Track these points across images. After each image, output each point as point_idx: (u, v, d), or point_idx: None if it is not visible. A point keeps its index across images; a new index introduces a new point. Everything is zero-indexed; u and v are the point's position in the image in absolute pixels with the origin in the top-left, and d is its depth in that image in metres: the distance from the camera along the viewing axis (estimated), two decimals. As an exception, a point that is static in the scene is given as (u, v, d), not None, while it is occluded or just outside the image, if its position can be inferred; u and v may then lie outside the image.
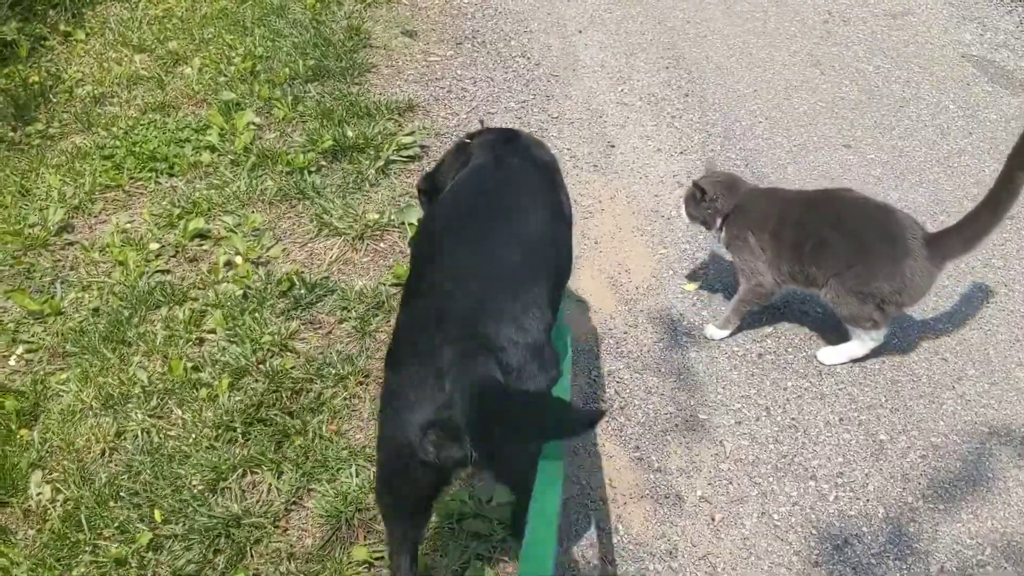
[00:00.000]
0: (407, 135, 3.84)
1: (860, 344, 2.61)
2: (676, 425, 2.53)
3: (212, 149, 3.85)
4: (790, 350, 2.77)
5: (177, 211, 3.41)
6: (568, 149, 3.85)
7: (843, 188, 2.78)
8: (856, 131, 3.87)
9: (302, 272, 3.09)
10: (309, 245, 3.27)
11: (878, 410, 2.54)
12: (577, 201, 3.41)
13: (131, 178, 3.72)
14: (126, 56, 4.74)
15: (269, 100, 4.15)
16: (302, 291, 2.98)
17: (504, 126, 2.77)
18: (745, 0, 5.17)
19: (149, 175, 3.76)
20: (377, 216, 3.36)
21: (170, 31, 4.98)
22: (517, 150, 2.22)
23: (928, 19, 4.90)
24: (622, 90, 4.30)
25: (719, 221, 2.74)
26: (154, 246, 3.30)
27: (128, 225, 3.43)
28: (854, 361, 2.67)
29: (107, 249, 3.24)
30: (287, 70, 4.40)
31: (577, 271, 3.09)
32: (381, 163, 3.67)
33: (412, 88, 4.34)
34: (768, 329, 2.85)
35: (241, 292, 2.98)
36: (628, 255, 3.22)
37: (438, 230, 1.96)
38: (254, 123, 4.02)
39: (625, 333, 2.87)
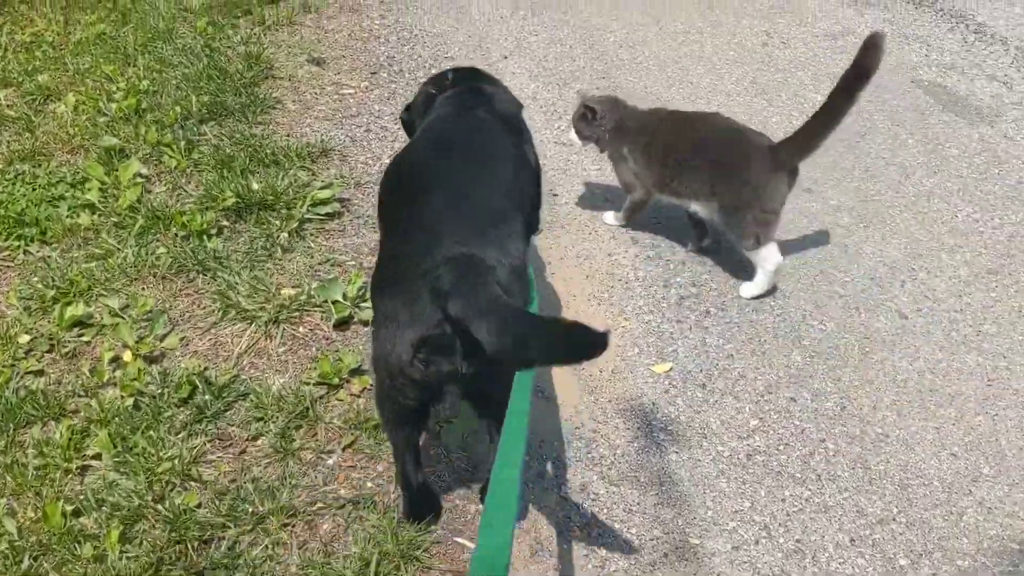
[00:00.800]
0: (323, 188, 3.35)
1: (762, 272, 2.87)
2: (665, 555, 2.15)
3: (92, 208, 3.29)
4: (781, 448, 2.43)
5: (51, 292, 2.85)
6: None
7: (710, 112, 3.14)
8: (815, 171, 3.57)
9: (206, 370, 2.58)
10: (212, 332, 2.76)
11: (891, 525, 2.21)
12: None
13: (-7, 247, 3.13)
14: (-13, 92, 4.09)
15: (158, 145, 3.61)
16: (207, 397, 2.48)
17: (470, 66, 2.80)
18: (678, 20, 4.85)
19: (17, 243, 3.18)
20: (293, 292, 2.88)
21: (39, 61, 4.35)
22: (484, 101, 2.40)
23: (869, 40, 4.66)
24: (559, 127, 3.90)
25: (607, 138, 3.06)
26: (24, 339, 2.74)
27: (-10, 310, 2.85)
28: (765, 294, 2.92)
29: (-37, 345, 2.67)
30: (178, 108, 3.85)
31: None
32: (294, 223, 3.18)
33: (324, 127, 3.85)
34: (754, 423, 2.50)
35: (131, 401, 2.46)
36: (586, 330, 2.81)
37: (412, 171, 2.11)
38: (141, 175, 3.48)
39: (594, 432, 2.48)
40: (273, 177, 3.41)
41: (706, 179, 2.82)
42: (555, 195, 3.49)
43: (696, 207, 2.91)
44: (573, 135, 3.14)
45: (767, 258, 2.83)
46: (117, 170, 3.45)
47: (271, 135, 3.73)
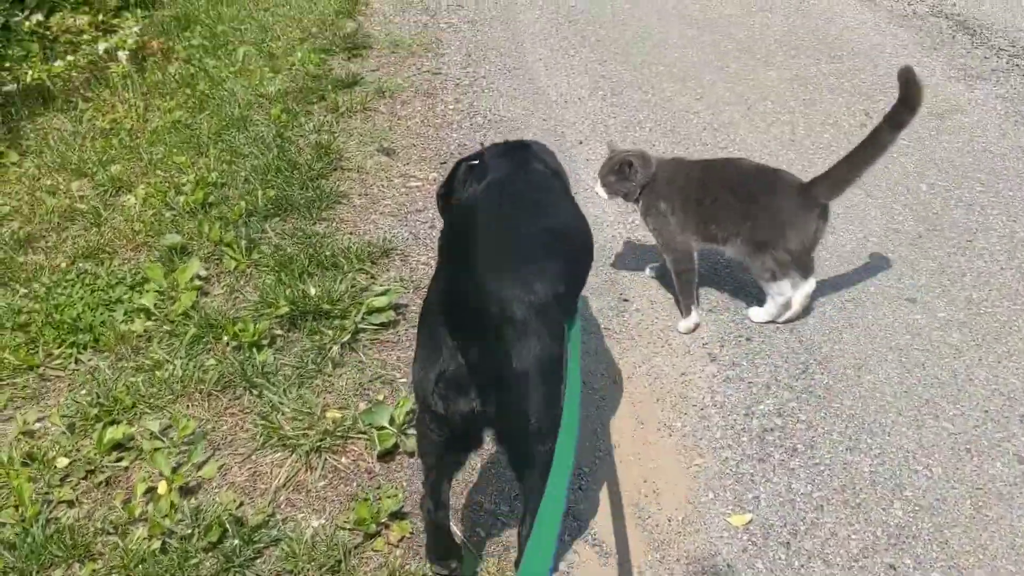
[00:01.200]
0: (379, 294, 3.18)
1: (772, 301, 2.95)
2: None
3: (147, 313, 3.20)
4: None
5: (94, 411, 2.74)
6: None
7: (737, 157, 3.21)
8: (919, 277, 3.22)
9: (241, 505, 2.40)
10: (253, 459, 2.59)
11: None
12: (585, 381, 2.76)
13: (47, 355, 3.06)
14: (62, 183, 4.11)
15: (220, 243, 3.51)
16: (236, 542, 2.29)
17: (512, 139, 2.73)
18: (768, 99, 4.56)
19: (69, 351, 3.10)
20: (339, 415, 2.69)
21: (115, 149, 4.37)
22: (532, 157, 2.47)
23: (981, 119, 4.28)
24: (634, 221, 3.65)
25: (638, 192, 3.04)
26: (62, 462, 2.62)
27: (37, 426, 2.76)
28: (773, 321, 3.01)
29: (2, 468, 2.57)
30: (243, 203, 3.77)
31: (590, 490, 2.42)
32: (347, 335, 3.01)
33: (388, 224, 3.70)
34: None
35: (159, 544, 2.29)
36: (655, 466, 2.54)
37: (464, 222, 2.05)
38: (200, 276, 3.38)
39: (660, 601, 2.17)
40: (331, 280, 3.27)
41: (740, 216, 2.84)
42: (626, 301, 3.23)
43: (731, 250, 2.94)
44: (600, 189, 3.09)
45: (781, 291, 2.90)
46: (177, 270, 3.36)
47: (334, 232, 3.60)
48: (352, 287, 3.24)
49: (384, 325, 3.11)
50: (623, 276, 3.36)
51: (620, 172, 3.01)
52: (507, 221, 2.14)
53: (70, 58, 5.12)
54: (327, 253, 3.41)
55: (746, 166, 2.99)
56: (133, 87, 5.07)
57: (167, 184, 4.02)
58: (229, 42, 5.50)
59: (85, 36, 5.30)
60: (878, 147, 2.72)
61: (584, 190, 3.82)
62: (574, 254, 2.25)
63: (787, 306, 2.95)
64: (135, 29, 5.40)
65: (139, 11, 5.65)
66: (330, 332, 3.04)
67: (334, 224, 3.68)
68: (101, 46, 5.22)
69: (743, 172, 2.94)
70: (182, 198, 3.89)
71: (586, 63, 5.13)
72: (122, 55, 5.20)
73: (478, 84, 4.93)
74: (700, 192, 2.92)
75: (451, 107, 4.69)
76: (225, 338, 3.04)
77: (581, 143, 4.31)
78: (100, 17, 5.52)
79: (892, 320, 3.05)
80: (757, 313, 3.02)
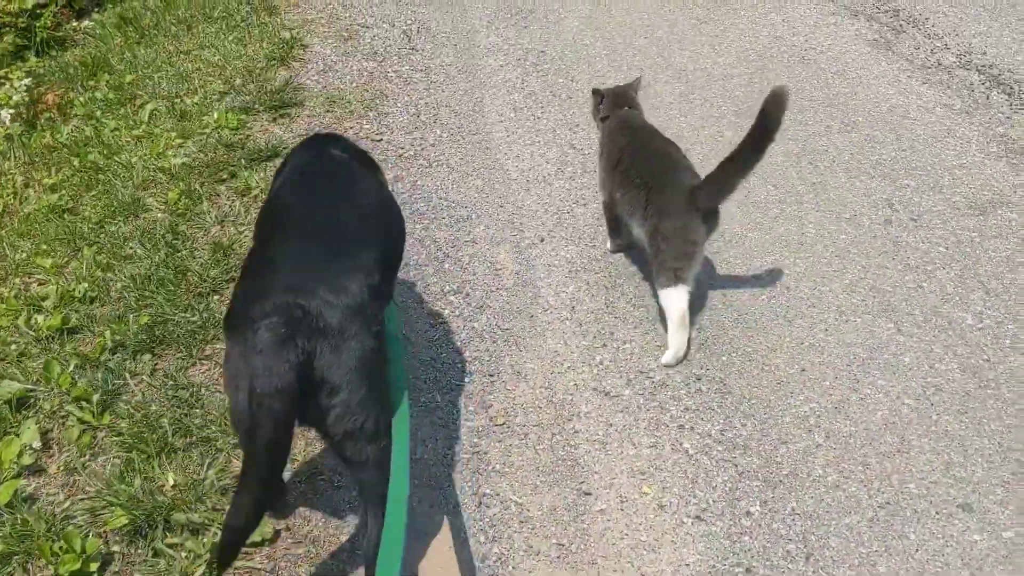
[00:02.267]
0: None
1: (670, 323, 2.79)
2: None
3: (-54, 514, 2.38)
4: None
5: None
6: (517, 499, 2.40)
7: (669, 141, 3.06)
8: (970, 464, 2.44)
9: None
10: None
11: None
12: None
13: None
14: None
15: (69, 394, 2.70)
16: None
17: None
18: (769, 183, 3.75)
19: None
20: None
21: (-25, 245, 3.53)
22: (339, 146, 2.47)
23: (1030, 215, 3.48)
24: (598, 370, 2.85)
25: (600, 122, 3.21)
26: None
27: None
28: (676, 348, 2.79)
29: None
30: (109, 332, 2.96)
31: None
32: (204, 565, 2.19)
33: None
34: None
35: None
36: None
37: (272, 208, 2.23)
38: (33, 448, 2.57)
39: None
40: (197, 464, 2.45)
41: (643, 200, 2.83)
42: (588, 495, 2.44)
43: (636, 229, 2.92)
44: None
45: (675, 302, 2.76)
46: (2, 441, 2.55)
47: (214, 382, 2.78)
48: (223, 472, 2.43)
49: (261, 543, 2.30)
50: (583, 457, 2.54)
51: (594, 97, 3.22)
52: (312, 211, 2.11)
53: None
54: (196, 421, 2.60)
55: (664, 152, 2.96)
56: (14, 154, 4.23)
57: (23, 299, 3.20)
58: (138, 95, 4.66)
59: (-37, 90, 4.46)
60: (754, 158, 2.62)
61: (549, 326, 3.03)
62: (387, 237, 2.22)
63: (684, 327, 2.79)
64: (25, 82, 4.56)
65: (34, 59, 4.80)
66: (187, 552, 2.23)
67: (215, 366, 2.86)
68: (-20, 104, 4.38)
69: (660, 159, 2.92)
70: (38, 321, 3.07)
71: (554, 127, 4.32)
72: (5, 114, 4.36)
73: (424, 155, 4.12)
74: (620, 155, 2.99)
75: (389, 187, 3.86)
76: (42, 561, 2.23)
77: (543, 240, 3.50)
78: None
79: (942, 543, 2.25)
80: (666, 357, 2.84)
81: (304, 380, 1.76)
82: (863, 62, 4.77)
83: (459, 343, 3.00)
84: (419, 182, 3.92)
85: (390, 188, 2.82)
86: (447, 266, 3.39)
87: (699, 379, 2.82)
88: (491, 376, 2.87)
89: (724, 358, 2.89)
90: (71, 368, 2.85)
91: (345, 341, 1.81)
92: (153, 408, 2.68)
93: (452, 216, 3.69)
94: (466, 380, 2.85)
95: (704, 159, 3.53)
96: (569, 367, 2.90)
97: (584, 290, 3.24)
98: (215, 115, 4.36)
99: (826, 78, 4.63)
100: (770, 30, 5.16)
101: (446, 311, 3.15)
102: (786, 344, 2.91)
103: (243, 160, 4.01)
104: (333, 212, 2.13)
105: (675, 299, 2.75)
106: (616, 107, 3.19)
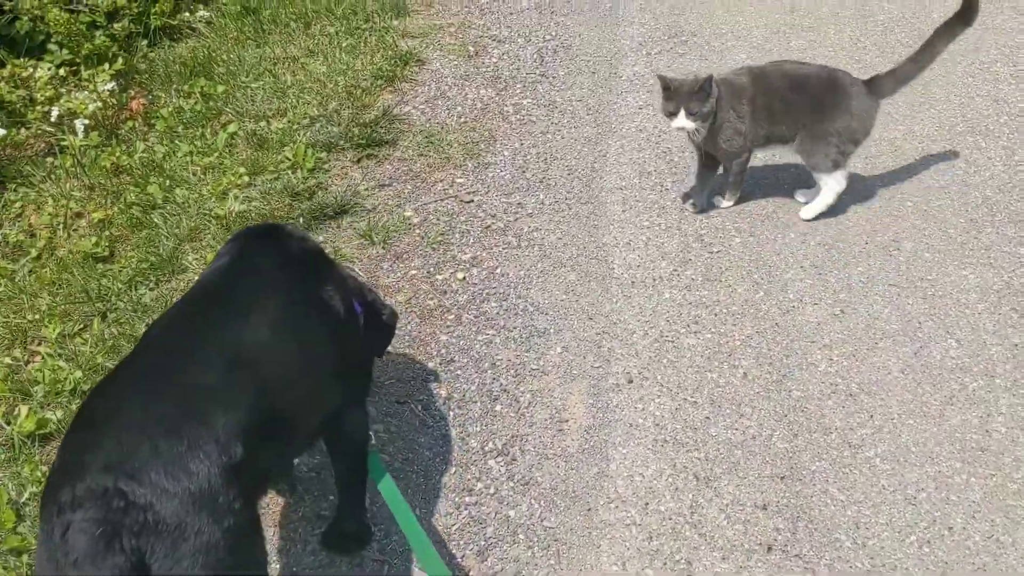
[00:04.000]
0: None
1: (828, 191, 3.18)
2: None
3: None
4: None
5: None
6: None
7: (784, 60, 3.38)
8: None
9: None
10: None
11: None
12: None
13: None
14: None
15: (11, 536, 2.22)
16: None
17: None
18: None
19: None
20: None
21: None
22: (270, 250, 2.01)
23: None
24: (693, 546, 2.06)
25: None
26: None
27: None
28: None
29: None
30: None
31: None
32: None
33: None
34: None
35: None
36: None
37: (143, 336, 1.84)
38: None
39: None
40: None
41: (808, 112, 3.06)
42: None
43: (797, 143, 3.14)
44: (687, 120, 3.03)
45: (840, 182, 3.15)
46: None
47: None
48: None
49: None
50: None
51: (702, 91, 2.99)
52: (171, 351, 1.69)
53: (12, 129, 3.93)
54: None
55: (801, 68, 3.20)
56: (80, 174, 3.83)
57: (11, 382, 2.76)
58: (224, 111, 4.15)
59: (42, 93, 4.09)
60: (933, 54, 3.04)
61: (609, 499, 2.26)
62: (288, 387, 1.76)
63: (838, 197, 3.18)
64: (109, 86, 4.14)
65: (120, 58, 4.38)
66: None
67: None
68: (55, 111, 3.99)
69: (803, 75, 3.14)
70: (24, 410, 2.63)
71: (683, 206, 3.45)
72: (79, 125, 3.96)
73: (516, 229, 3.38)
74: (769, 98, 3.10)
75: (459, 274, 3.16)
76: None
77: (631, 382, 2.72)
78: (62, 70, 4.30)
79: None
80: (809, 210, 3.26)
81: None
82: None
83: (479, 543, 2.27)
84: (499, 270, 3.20)
85: (379, 299, 2.41)
86: (499, 408, 2.66)
87: None
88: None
89: None
90: (25, 496, 2.36)
91: (184, 540, 1.42)
92: None
93: (526, 327, 2.95)
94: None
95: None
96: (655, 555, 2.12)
97: (667, 478, 2.43)
98: (293, 149, 3.77)
99: None
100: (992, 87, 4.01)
101: (478, 484, 2.43)
102: None
103: (303, 216, 3.41)
104: (195, 354, 1.68)
105: (840, 179, 3.15)
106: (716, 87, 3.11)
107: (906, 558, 2.18)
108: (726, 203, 3.40)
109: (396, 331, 2.53)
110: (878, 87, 3.07)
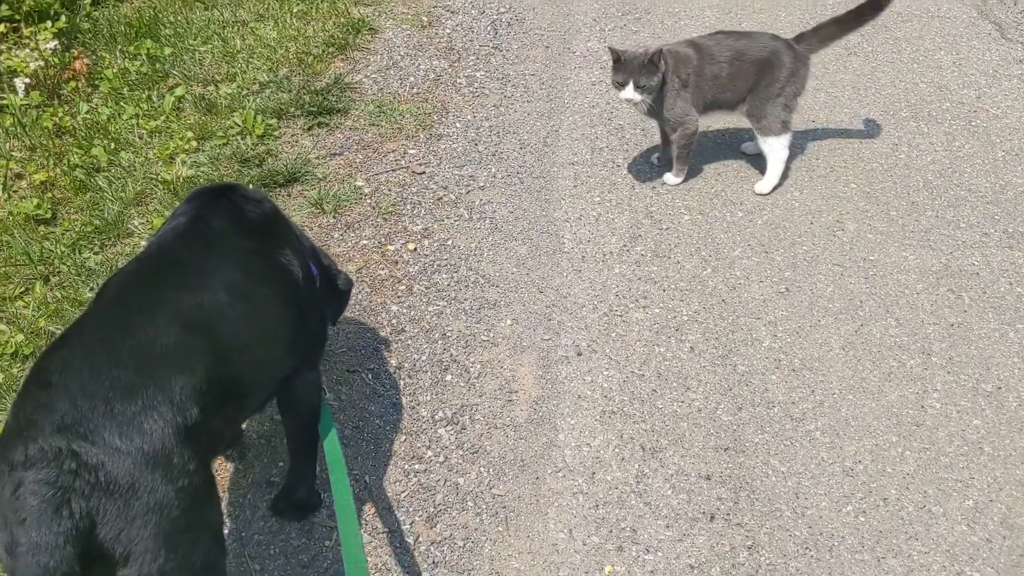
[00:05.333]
0: None
1: (777, 160, 3.30)
2: None
3: None
4: None
5: None
6: None
7: (719, 31, 3.41)
8: None
9: None
10: None
11: None
12: None
13: None
14: None
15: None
16: None
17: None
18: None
19: None
20: None
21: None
22: (224, 212, 1.96)
23: None
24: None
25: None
26: None
27: None
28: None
29: None
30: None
31: None
32: None
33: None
34: None
35: None
36: None
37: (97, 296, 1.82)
38: None
39: None
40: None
41: (753, 76, 3.18)
42: None
43: (743, 110, 3.27)
44: (635, 93, 3.07)
45: (785, 147, 3.28)
46: None
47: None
48: None
49: None
50: None
51: (651, 64, 3.03)
52: (126, 312, 1.65)
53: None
54: None
55: (740, 35, 3.31)
56: (20, 134, 3.72)
57: (-53, 345, 2.67)
58: (171, 74, 4.06)
59: (-19, 51, 3.95)
60: (860, 20, 3.24)
61: (557, 467, 2.29)
62: (242, 351, 1.75)
63: (785, 165, 3.33)
64: (51, 44, 4.01)
65: (63, 16, 4.24)
66: None
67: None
68: (-7, 68, 3.86)
69: (742, 42, 3.24)
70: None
71: (633, 183, 3.50)
72: (19, 83, 3.84)
73: (468, 202, 3.38)
74: (715, 67, 3.20)
75: (410, 245, 3.16)
76: None
77: (580, 354, 2.75)
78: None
79: None
80: (763, 185, 3.37)
81: (87, 556, 1.36)
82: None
83: (428, 509, 2.29)
84: (450, 242, 3.19)
85: (333, 266, 2.39)
86: (449, 377, 2.67)
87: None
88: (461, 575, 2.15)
89: None
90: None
91: (137, 499, 1.40)
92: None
93: (477, 299, 2.95)
94: (422, 578, 2.15)
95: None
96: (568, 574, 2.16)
97: (614, 448, 2.47)
98: (242, 115, 3.70)
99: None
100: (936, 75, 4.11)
101: (428, 452, 2.45)
102: None
103: (252, 184, 3.36)
104: (152, 316, 1.63)
105: (786, 143, 3.27)
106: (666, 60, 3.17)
107: (843, 527, 2.26)
108: (673, 181, 3.43)
109: (350, 299, 2.52)
110: (806, 44, 3.24)
